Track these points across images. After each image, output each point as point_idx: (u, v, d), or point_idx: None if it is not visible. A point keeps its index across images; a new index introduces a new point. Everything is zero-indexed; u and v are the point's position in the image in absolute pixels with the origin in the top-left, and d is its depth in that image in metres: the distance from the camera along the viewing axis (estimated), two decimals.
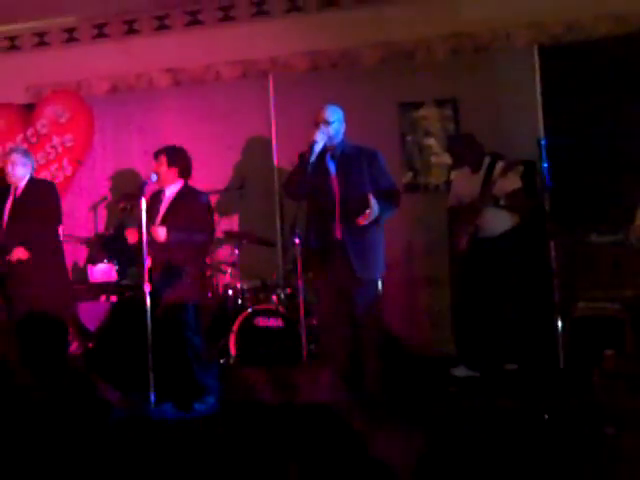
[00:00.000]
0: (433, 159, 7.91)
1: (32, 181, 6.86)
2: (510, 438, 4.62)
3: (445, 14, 7.78)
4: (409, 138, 7.97)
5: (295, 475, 3.71)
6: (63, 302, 6.96)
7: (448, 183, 7.38)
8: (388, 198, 5.93)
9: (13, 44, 9.24)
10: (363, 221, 5.75)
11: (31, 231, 6.64)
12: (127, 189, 7.94)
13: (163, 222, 6.26)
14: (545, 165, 6.47)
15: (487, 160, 6.86)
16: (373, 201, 5.73)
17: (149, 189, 6.34)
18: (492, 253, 6.73)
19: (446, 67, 7.77)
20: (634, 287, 6.37)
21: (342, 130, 6.06)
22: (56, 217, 6.88)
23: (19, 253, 6.67)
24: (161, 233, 6.11)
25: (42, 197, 6.80)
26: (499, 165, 6.74)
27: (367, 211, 5.72)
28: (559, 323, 6.13)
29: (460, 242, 6.84)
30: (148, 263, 6.17)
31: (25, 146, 8.18)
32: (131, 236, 6.26)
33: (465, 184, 6.96)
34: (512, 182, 6.68)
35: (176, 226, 6.20)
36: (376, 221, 5.79)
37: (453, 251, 7.01)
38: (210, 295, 7.40)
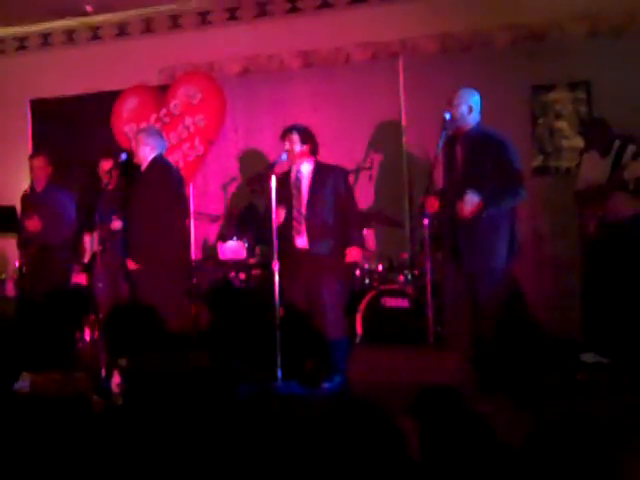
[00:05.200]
0: (564, 142, 7.79)
1: (154, 161, 6.83)
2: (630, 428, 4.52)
3: None
4: (540, 121, 7.87)
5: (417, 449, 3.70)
6: (179, 283, 7.02)
7: (579, 167, 7.24)
8: (506, 187, 5.81)
9: (148, 27, 9.45)
10: (460, 213, 5.71)
11: (145, 212, 6.69)
12: (257, 169, 8.06)
13: (310, 201, 6.33)
14: None
15: (617, 143, 6.71)
16: (469, 196, 5.67)
17: (278, 168, 6.41)
18: (621, 238, 6.59)
19: (580, 49, 7.64)
20: None
21: (474, 114, 6.00)
22: (170, 198, 6.73)
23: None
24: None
25: (158, 179, 6.78)
26: (629, 149, 6.59)
27: (463, 199, 5.69)
28: None
29: (588, 226, 6.73)
30: (302, 242, 6.32)
31: (158, 126, 8.35)
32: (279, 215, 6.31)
33: (593, 168, 6.83)
34: None
35: (323, 203, 6.31)
36: (484, 210, 5.72)
37: (582, 235, 6.89)
38: None
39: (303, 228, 6.34)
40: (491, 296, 5.84)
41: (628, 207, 6.56)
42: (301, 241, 6.35)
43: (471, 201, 5.66)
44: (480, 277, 5.83)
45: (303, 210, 6.34)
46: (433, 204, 6.00)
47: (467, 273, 5.85)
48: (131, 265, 6.67)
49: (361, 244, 6.45)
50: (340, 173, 6.48)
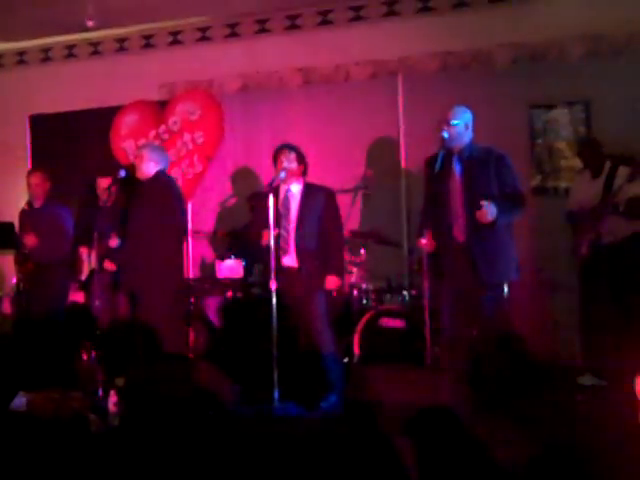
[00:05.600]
0: (563, 162, 7.77)
1: (157, 175, 6.87)
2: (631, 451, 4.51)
3: (579, 15, 7.65)
4: (539, 141, 7.86)
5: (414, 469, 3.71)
6: (176, 301, 7.02)
7: None
8: (511, 200, 5.87)
9: (148, 42, 9.47)
10: (481, 218, 5.71)
11: (144, 226, 6.72)
12: (255, 186, 8.06)
13: (299, 221, 6.35)
14: None
15: (608, 165, 6.72)
16: (486, 203, 5.69)
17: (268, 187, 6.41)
18: (615, 260, 6.60)
19: (579, 69, 7.64)
20: None
21: (469, 132, 6.02)
22: (167, 214, 6.75)
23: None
24: None
25: (160, 192, 6.81)
26: (621, 170, 6.61)
27: (482, 206, 5.68)
28: None
29: (581, 248, 6.74)
30: (289, 261, 6.31)
31: (157, 142, 8.36)
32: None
33: (585, 189, 6.85)
34: (636, 188, 6.52)
35: (310, 224, 6.32)
36: (493, 224, 5.74)
37: (575, 257, 6.89)
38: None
39: (291, 248, 6.36)
40: (498, 310, 5.88)
41: (621, 229, 6.57)
42: (288, 260, 6.37)
43: (492, 210, 5.69)
44: (491, 290, 5.87)
45: (292, 230, 6.36)
46: (429, 244, 6.01)
47: (474, 288, 5.86)
48: (107, 265, 6.71)
49: (340, 272, 6.45)
50: (328, 195, 6.49)
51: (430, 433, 4.01)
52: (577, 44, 7.65)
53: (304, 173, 6.53)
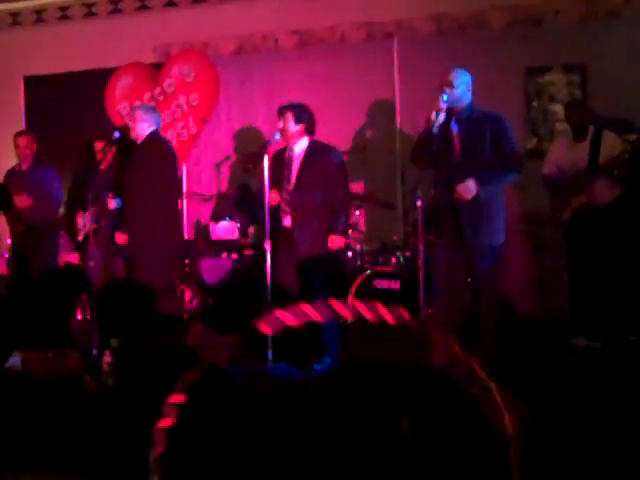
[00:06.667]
0: (558, 125, 7.76)
1: (151, 136, 6.87)
2: (623, 409, 4.54)
3: None
4: (535, 103, 7.87)
5: (407, 429, 3.72)
6: (172, 262, 7.05)
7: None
8: (506, 164, 5.85)
9: (143, 4, 9.41)
10: (460, 198, 5.72)
11: (139, 187, 6.72)
12: (250, 148, 8.03)
13: (298, 180, 6.32)
14: None
15: (592, 129, 6.72)
16: (469, 183, 5.69)
17: (272, 148, 6.39)
18: (605, 223, 6.62)
19: (576, 32, 7.63)
20: None
21: (468, 94, 5.99)
22: (163, 175, 6.78)
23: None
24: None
25: (154, 153, 6.82)
26: (607, 134, 6.62)
27: (456, 190, 5.71)
28: None
29: (564, 212, 6.74)
30: (289, 222, 6.30)
31: (152, 104, 8.33)
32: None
33: (567, 153, 6.86)
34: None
35: (312, 183, 6.27)
36: (481, 192, 5.75)
37: (555, 220, 6.90)
38: None
39: (289, 208, 6.35)
40: (490, 272, 5.87)
41: (611, 193, 6.60)
42: (287, 220, 6.36)
43: (470, 188, 5.69)
44: (481, 252, 5.85)
45: (290, 190, 6.34)
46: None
47: (466, 249, 5.86)
48: (120, 238, 6.69)
49: (343, 232, 6.39)
50: (333, 154, 6.44)
51: (423, 395, 4.02)
52: (574, 6, 7.63)
53: (309, 132, 6.45)
